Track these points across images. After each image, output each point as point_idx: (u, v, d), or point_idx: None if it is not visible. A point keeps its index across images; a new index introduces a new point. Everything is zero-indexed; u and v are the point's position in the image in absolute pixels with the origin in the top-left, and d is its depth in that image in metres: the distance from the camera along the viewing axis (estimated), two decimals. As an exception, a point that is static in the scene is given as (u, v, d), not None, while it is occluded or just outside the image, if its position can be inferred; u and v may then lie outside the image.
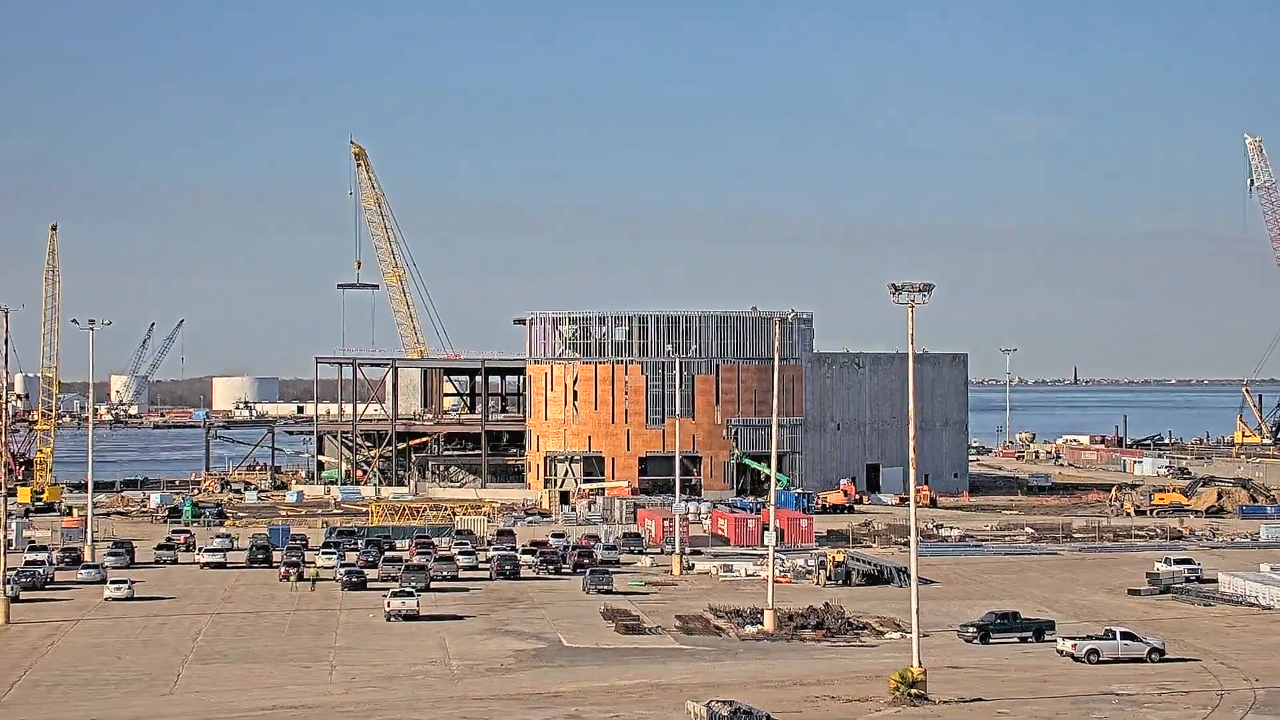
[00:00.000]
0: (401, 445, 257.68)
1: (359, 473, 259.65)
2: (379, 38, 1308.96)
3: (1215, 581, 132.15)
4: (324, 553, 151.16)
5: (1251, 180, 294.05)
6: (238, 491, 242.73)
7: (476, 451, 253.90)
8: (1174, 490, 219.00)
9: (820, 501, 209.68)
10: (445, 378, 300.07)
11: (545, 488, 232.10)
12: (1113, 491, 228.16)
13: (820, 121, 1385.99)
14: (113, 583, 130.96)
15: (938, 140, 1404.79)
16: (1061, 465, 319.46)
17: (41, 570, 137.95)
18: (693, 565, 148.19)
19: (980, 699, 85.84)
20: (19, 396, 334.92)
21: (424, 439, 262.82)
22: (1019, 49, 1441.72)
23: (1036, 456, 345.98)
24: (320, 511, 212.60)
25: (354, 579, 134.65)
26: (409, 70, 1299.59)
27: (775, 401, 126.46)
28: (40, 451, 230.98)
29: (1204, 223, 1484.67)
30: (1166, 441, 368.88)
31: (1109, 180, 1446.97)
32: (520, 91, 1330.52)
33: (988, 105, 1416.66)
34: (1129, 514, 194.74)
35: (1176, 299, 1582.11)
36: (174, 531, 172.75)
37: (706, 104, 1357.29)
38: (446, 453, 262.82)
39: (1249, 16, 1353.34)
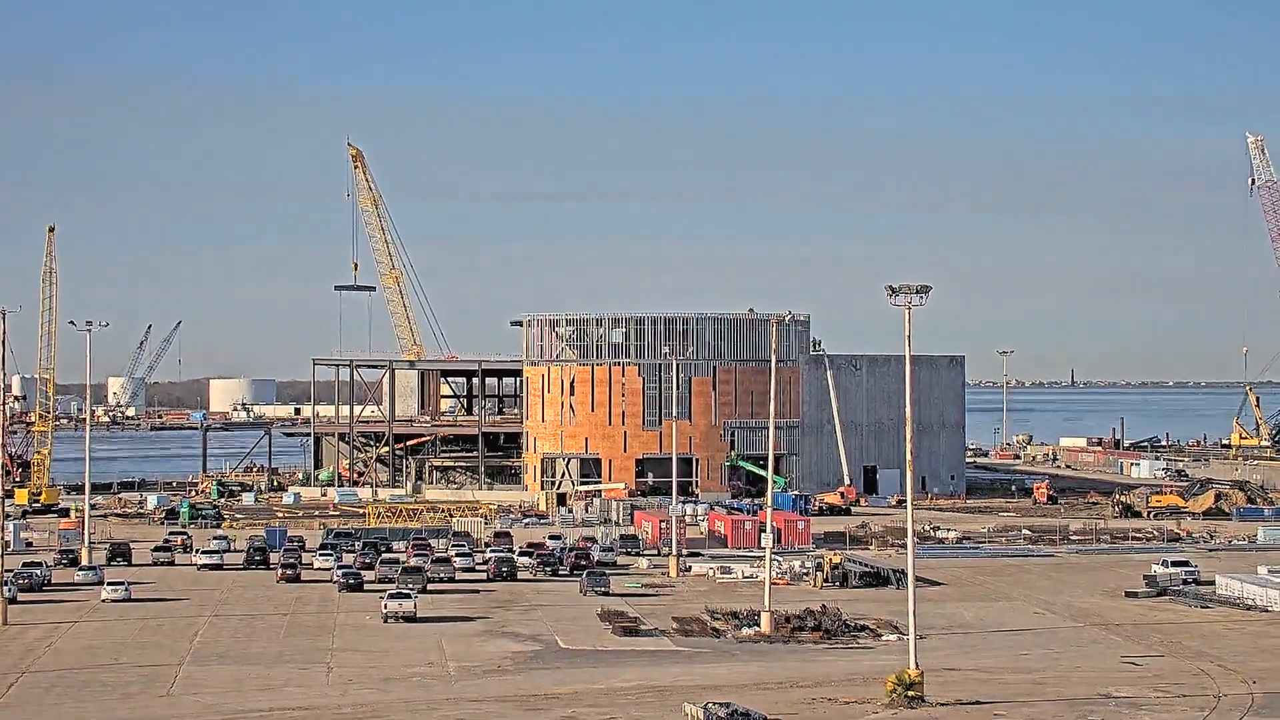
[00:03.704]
0: (399, 446, 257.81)
1: (352, 473, 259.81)
2: (378, 39, 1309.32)
3: (1212, 584, 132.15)
4: (321, 554, 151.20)
5: (1253, 180, 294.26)
6: (234, 493, 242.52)
7: (473, 453, 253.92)
8: (1172, 492, 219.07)
9: (817, 503, 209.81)
10: (442, 379, 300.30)
11: (542, 489, 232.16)
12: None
13: (816, 120, 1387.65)
14: (110, 584, 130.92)
15: (935, 139, 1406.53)
16: (1059, 467, 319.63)
17: (39, 572, 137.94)
18: (690, 567, 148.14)
19: (977, 701, 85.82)
20: (16, 398, 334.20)
21: (421, 440, 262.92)
22: (1017, 52, 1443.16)
23: (1034, 460, 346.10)
24: (317, 513, 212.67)
25: (351, 580, 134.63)
26: (407, 72, 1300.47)
27: (773, 403, 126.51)
28: (38, 453, 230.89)
29: (1204, 223, 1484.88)
30: (1164, 444, 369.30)
31: (1108, 181, 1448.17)
32: (518, 93, 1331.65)
33: (988, 106, 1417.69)
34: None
35: (1175, 300, 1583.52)
36: (171, 533, 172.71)
37: (707, 106, 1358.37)
38: (444, 454, 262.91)
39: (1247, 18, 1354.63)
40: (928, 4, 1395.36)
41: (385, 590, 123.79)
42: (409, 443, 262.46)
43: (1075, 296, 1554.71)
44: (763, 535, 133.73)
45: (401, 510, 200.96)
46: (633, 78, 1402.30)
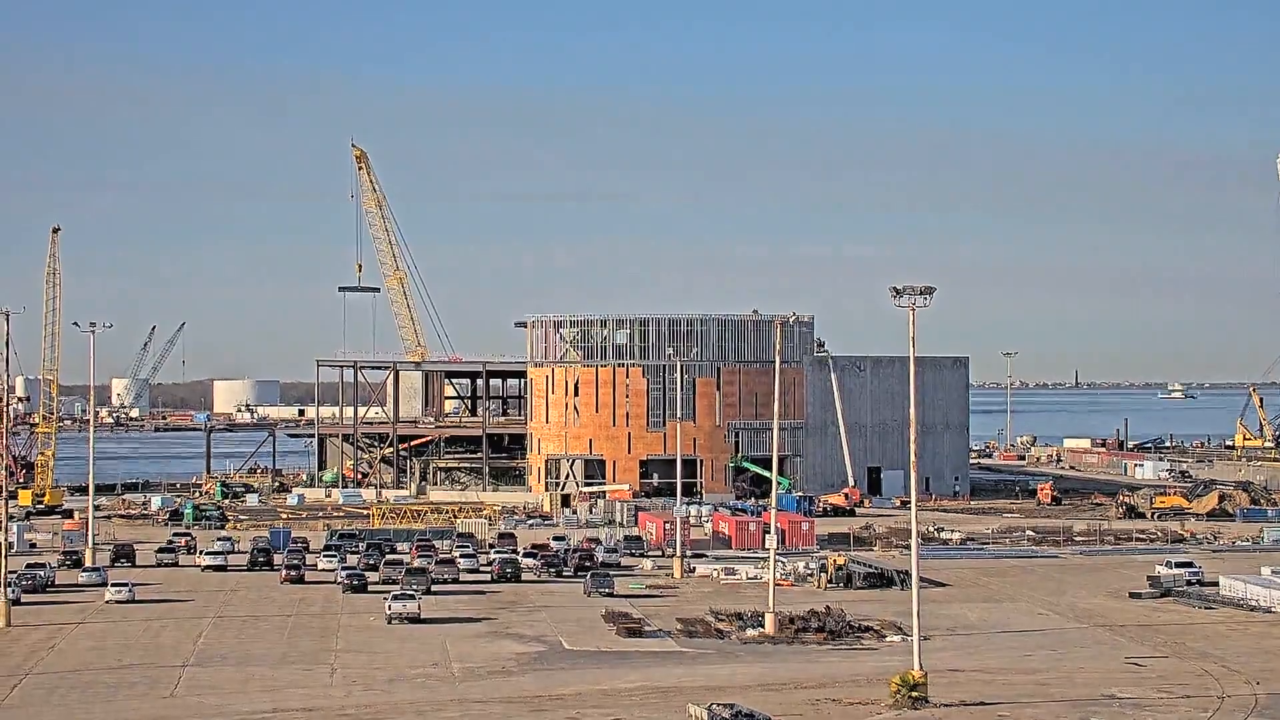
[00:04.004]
0: (403, 448, 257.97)
1: (356, 474, 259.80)
2: (379, 38, 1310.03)
3: (1216, 585, 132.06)
4: (325, 555, 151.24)
5: None
6: (238, 494, 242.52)
7: (478, 454, 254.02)
8: (1175, 493, 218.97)
9: (821, 504, 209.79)
10: (446, 380, 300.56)
11: (546, 491, 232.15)
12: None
13: (818, 119, 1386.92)
14: (114, 585, 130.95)
15: (939, 139, 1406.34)
16: (1063, 468, 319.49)
17: (43, 573, 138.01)
18: (694, 568, 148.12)
19: (981, 702, 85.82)
20: (20, 399, 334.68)
21: (425, 441, 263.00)
22: (1018, 52, 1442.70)
23: (1038, 461, 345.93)
24: (321, 514, 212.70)
25: (355, 582, 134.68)
26: (410, 71, 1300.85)
27: (776, 405, 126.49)
28: (41, 454, 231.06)
29: (1205, 223, 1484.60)
30: (1167, 445, 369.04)
31: (1109, 181, 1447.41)
32: (521, 92, 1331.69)
33: (991, 106, 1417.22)
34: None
35: (1177, 300, 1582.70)
36: (175, 534, 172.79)
37: (708, 108, 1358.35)
38: (448, 455, 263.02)
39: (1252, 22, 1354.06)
40: (928, 4, 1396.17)
41: (389, 591, 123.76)
42: (413, 444, 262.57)
43: (1077, 297, 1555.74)
44: (767, 536, 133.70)
45: (405, 511, 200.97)
46: (633, 77, 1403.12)
